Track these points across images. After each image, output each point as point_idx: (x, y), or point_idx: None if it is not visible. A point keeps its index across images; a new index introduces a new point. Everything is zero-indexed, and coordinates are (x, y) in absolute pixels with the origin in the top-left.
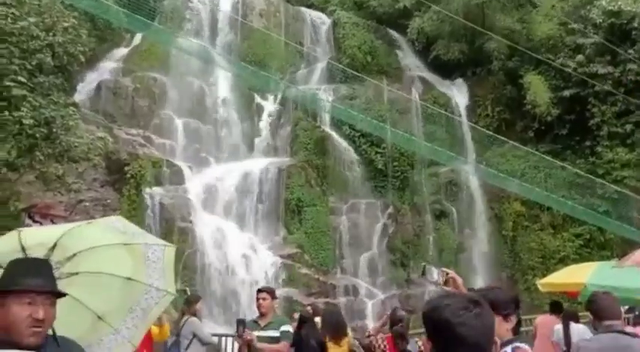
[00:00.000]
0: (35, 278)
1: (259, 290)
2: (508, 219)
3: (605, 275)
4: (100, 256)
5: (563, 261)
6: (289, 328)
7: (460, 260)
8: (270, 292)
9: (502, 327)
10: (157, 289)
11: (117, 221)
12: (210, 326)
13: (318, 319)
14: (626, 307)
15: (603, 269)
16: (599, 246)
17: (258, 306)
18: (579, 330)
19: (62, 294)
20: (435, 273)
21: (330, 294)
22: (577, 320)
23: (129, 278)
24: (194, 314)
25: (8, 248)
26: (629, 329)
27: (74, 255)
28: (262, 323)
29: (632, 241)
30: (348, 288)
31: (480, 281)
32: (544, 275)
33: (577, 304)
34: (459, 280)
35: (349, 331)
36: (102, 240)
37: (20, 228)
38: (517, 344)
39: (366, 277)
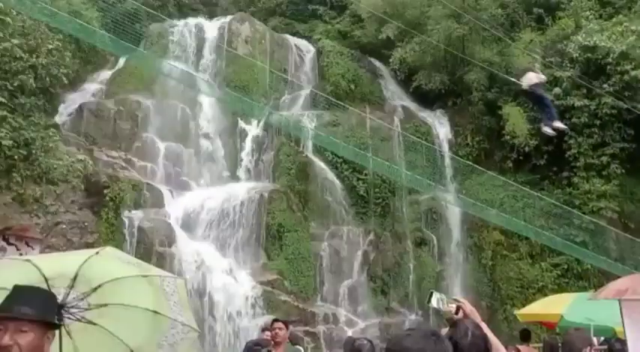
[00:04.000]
0: (17, 305)
1: (275, 320)
2: (487, 248)
3: (581, 307)
4: (125, 288)
5: (542, 291)
6: None
7: (440, 288)
8: (286, 322)
9: None
10: (182, 324)
11: (115, 251)
12: None
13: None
14: (602, 338)
15: (579, 301)
16: (576, 277)
17: (274, 336)
18: None
19: (54, 325)
20: (439, 302)
21: (309, 322)
22: (557, 351)
23: (155, 312)
24: None
25: (31, 279)
26: None
27: (99, 286)
28: None
29: (608, 272)
30: (327, 316)
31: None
32: (523, 305)
33: (556, 334)
34: (468, 308)
35: None
36: (121, 272)
37: (28, 257)
38: None
39: (346, 305)
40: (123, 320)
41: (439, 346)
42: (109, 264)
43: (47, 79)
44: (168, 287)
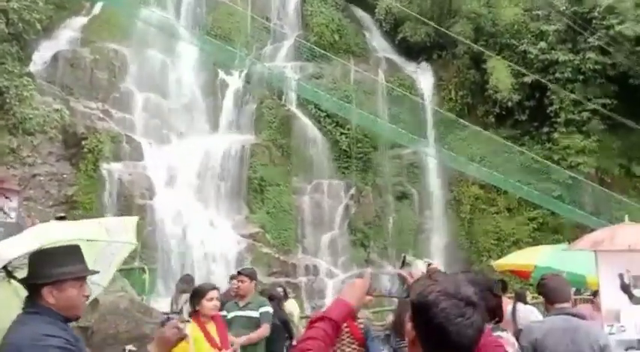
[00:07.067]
0: (82, 263)
1: (238, 273)
2: (466, 202)
3: (555, 258)
4: None
5: (517, 244)
6: (269, 309)
7: (419, 241)
8: (249, 275)
9: None
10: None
11: (123, 221)
12: (167, 303)
13: None
14: (574, 289)
15: (554, 252)
16: (551, 230)
17: (237, 289)
18: (525, 311)
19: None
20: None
21: (290, 274)
22: (525, 301)
23: None
24: None
25: None
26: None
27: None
28: (241, 303)
29: (583, 225)
30: (308, 268)
31: (437, 263)
32: (499, 257)
33: (529, 285)
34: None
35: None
36: (67, 235)
37: None
38: (497, 333)
39: (327, 257)
40: None
41: (472, 329)
42: (63, 228)
43: (20, 24)
44: (111, 252)
